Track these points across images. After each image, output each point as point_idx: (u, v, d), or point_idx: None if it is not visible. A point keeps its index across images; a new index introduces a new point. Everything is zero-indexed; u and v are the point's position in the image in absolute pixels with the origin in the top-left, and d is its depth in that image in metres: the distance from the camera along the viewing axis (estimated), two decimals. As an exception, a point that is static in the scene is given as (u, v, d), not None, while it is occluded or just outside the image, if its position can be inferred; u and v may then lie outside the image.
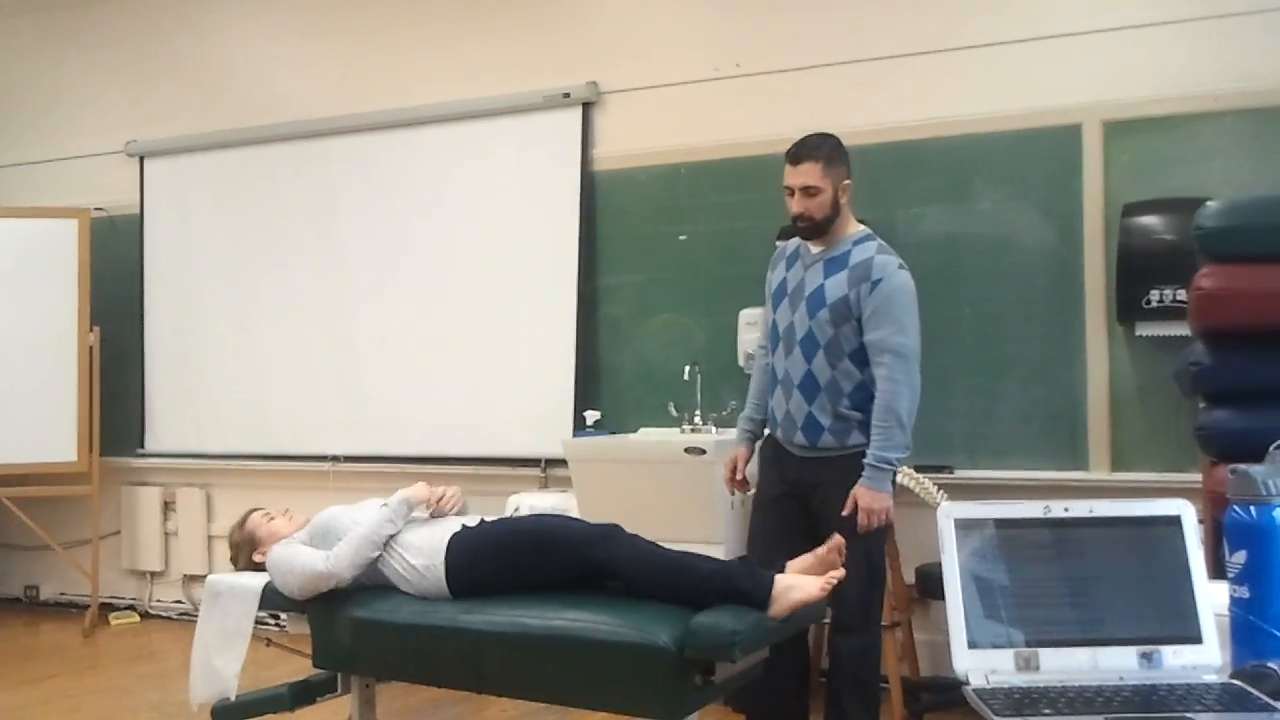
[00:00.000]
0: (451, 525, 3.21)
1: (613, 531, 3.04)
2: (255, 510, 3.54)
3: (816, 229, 3.38)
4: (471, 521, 3.25)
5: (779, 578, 2.86)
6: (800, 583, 2.85)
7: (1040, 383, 4.43)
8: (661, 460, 4.31)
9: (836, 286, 3.33)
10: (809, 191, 3.33)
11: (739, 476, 3.59)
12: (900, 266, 3.34)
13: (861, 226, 3.45)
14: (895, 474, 3.34)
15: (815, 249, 3.42)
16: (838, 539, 2.94)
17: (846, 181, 3.38)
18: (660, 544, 3.07)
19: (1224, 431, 3.38)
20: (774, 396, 3.49)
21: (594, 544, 2.99)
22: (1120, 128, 4.34)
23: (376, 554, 3.16)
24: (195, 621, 3.41)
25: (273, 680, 3.43)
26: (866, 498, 3.26)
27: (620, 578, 2.96)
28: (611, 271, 5.21)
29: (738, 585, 2.85)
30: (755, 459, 3.63)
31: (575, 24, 5.37)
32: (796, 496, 3.44)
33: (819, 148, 3.36)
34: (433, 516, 3.31)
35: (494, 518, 3.31)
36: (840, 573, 2.88)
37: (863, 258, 3.34)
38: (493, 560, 3.08)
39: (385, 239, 5.72)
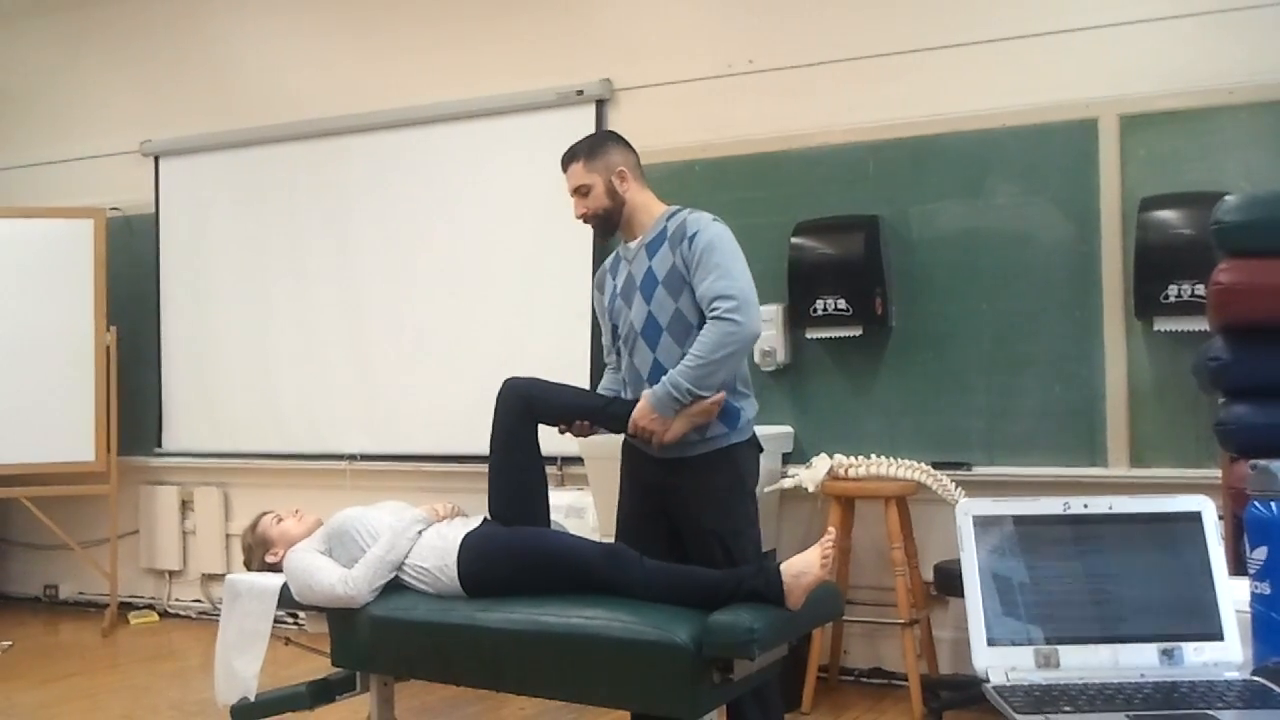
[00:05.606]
0: (460, 528, 3.23)
1: (621, 552, 3.04)
2: (265, 513, 3.57)
3: (603, 223, 3.32)
4: (477, 523, 3.26)
5: (784, 567, 2.85)
6: (803, 566, 2.85)
7: (1058, 379, 4.41)
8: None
9: (662, 260, 3.20)
10: (580, 191, 3.31)
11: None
12: (714, 220, 3.21)
13: (673, 206, 3.33)
14: (683, 404, 3.06)
15: (633, 244, 3.31)
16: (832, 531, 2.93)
17: (620, 168, 3.29)
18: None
19: (1244, 426, 3.36)
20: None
21: (604, 569, 3.00)
22: (1137, 122, 4.31)
23: (394, 574, 3.19)
24: (214, 620, 3.43)
25: (292, 679, 3.44)
26: (639, 411, 3.08)
27: (632, 599, 2.96)
28: (626, 269, 5.19)
29: (750, 587, 2.86)
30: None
31: (588, 21, 5.37)
32: (657, 505, 3.26)
33: (578, 148, 3.34)
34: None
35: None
36: (833, 534, 2.90)
37: (677, 224, 3.22)
38: (505, 569, 3.10)
39: (400, 237, 5.73)
